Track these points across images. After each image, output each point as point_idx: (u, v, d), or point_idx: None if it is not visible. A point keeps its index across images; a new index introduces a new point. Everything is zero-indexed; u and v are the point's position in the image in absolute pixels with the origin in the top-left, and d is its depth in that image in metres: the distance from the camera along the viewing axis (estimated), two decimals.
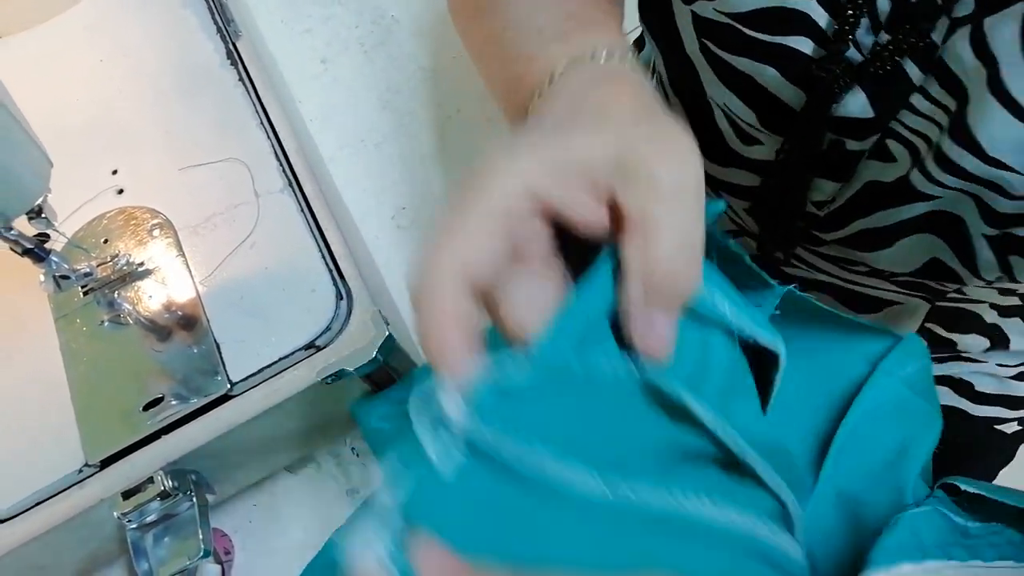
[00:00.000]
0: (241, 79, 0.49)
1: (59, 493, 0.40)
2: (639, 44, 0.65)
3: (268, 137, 0.47)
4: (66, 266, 0.42)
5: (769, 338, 0.29)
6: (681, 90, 0.54)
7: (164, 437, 0.40)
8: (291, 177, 0.46)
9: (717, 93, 0.50)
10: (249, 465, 0.45)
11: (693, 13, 0.47)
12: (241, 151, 0.47)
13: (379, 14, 0.64)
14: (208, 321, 0.43)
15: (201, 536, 0.39)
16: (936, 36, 0.38)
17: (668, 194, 0.26)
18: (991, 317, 0.53)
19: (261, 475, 0.48)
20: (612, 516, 0.23)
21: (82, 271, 0.43)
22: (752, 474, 0.26)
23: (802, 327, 0.36)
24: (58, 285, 0.42)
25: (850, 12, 0.41)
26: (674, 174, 0.26)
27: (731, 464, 0.27)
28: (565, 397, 0.24)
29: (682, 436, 0.26)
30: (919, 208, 0.45)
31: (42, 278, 0.42)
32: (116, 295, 0.44)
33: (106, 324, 0.44)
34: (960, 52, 0.38)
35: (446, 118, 0.59)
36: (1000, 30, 0.36)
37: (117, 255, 0.44)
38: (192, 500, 0.40)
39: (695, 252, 0.26)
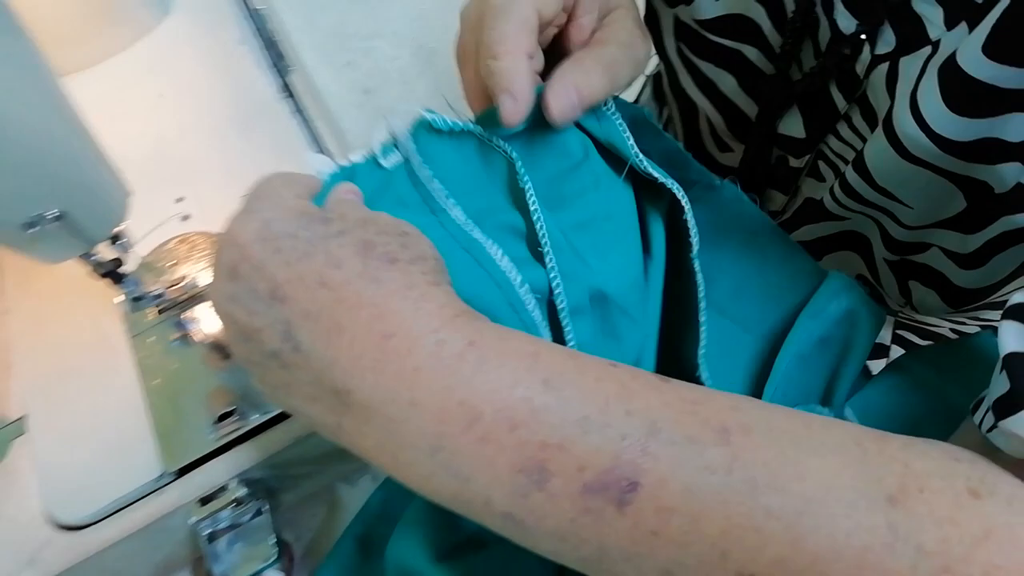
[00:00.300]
0: (295, 111, 0.52)
1: (138, 500, 0.43)
2: None
3: (306, 126, 0.50)
4: (141, 288, 0.45)
5: (663, 176, 0.40)
6: (674, 92, 0.58)
7: (236, 448, 0.43)
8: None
9: (695, 95, 0.54)
10: (311, 476, 0.48)
11: (674, 17, 0.52)
12: (277, 144, 0.50)
13: (418, 46, 0.67)
14: None
15: (271, 543, 0.42)
16: (860, 68, 0.41)
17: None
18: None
19: (321, 485, 0.50)
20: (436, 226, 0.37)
21: (154, 293, 0.46)
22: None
23: (747, 237, 0.45)
24: (133, 306, 0.45)
25: (788, 41, 0.44)
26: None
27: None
28: (465, 164, 0.39)
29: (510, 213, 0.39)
30: (834, 227, 0.47)
31: (120, 299, 0.45)
32: (184, 315, 0.47)
33: (177, 342, 0.46)
34: (876, 87, 0.40)
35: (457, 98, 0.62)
36: (908, 70, 0.38)
37: (184, 278, 0.47)
38: (262, 508, 0.43)
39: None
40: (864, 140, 0.44)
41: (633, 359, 0.42)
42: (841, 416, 0.42)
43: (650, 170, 0.39)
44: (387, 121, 0.38)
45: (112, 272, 0.43)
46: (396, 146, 0.39)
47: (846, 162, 0.47)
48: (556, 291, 0.38)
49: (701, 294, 0.41)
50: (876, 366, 0.49)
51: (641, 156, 0.39)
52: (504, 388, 0.27)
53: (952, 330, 0.54)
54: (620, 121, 0.40)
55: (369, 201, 0.37)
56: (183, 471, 0.43)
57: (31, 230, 0.36)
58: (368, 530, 0.45)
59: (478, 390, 0.26)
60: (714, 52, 0.51)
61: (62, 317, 0.48)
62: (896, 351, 0.54)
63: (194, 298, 0.47)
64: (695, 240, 0.40)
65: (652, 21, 0.59)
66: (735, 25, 0.48)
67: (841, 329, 0.43)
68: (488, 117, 0.39)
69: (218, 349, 0.47)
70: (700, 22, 0.50)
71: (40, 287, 0.50)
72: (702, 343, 0.42)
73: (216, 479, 0.42)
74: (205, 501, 0.42)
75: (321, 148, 0.51)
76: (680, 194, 0.40)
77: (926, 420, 0.43)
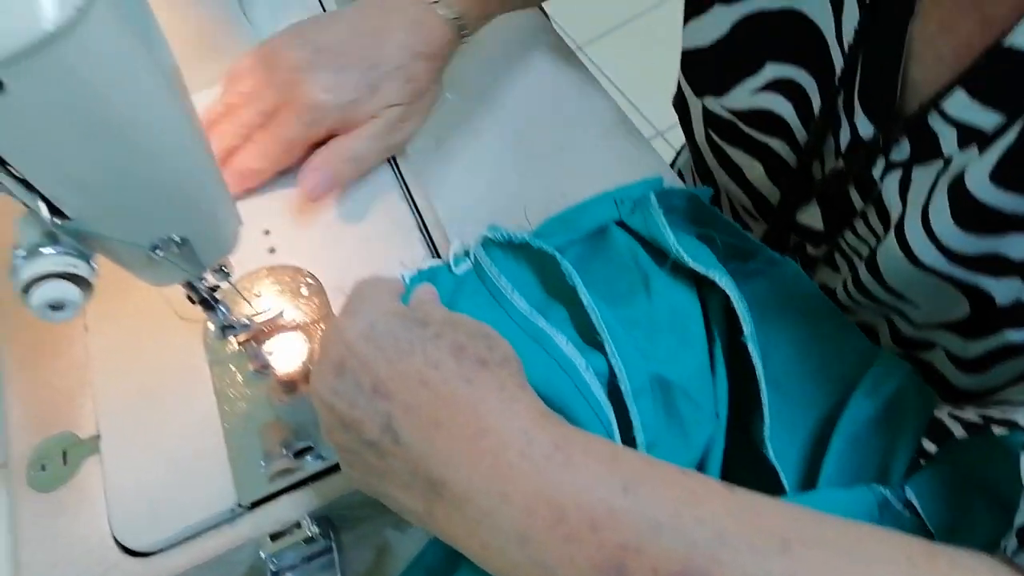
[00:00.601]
0: (390, 160, 0.54)
1: (208, 530, 0.42)
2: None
3: (411, 208, 0.51)
4: (228, 317, 0.45)
5: (704, 268, 0.44)
6: (699, 173, 0.62)
7: (311, 484, 0.43)
8: (432, 248, 0.50)
9: (720, 178, 0.58)
10: (371, 519, 0.48)
11: (703, 106, 0.55)
12: (387, 220, 0.51)
13: (489, 98, 0.69)
14: None
15: None
16: (876, 172, 0.43)
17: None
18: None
19: (374, 528, 0.50)
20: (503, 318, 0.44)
21: (241, 322, 0.46)
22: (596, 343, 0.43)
23: (805, 313, 0.47)
24: (218, 333, 0.46)
25: (812, 138, 0.48)
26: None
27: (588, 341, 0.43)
28: (521, 268, 0.47)
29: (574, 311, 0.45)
30: (848, 316, 0.49)
31: (210, 326, 0.46)
32: (265, 347, 0.47)
33: (253, 373, 0.47)
34: (889, 191, 0.43)
35: (553, 204, 0.63)
36: (920, 180, 0.41)
37: (269, 310, 0.48)
38: (330, 547, 0.42)
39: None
40: (878, 238, 0.46)
41: (701, 442, 0.43)
42: (902, 496, 0.43)
43: (692, 263, 0.44)
44: (459, 240, 0.48)
45: (206, 299, 0.44)
46: (466, 255, 0.47)
47: (860, 257, 0.49)
48: (618, 374, 0.41)
49: (760, 374, 0.43)
50: (932, 446, 0.49)
51: (682, 251, 0.44)
52: (587, 490, 0.30)
53: (981, 416, 0.55)
54: (662, 219, 0.45)
55: (445, 300, 0.44)
56: (256, 504, 0.43)
57: (155, 252, 0.36)
58: None
59: (564, 490, 0.30)
60: (744, 140, 0.55)
61: (141, 338, 0.49)
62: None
63: (275, 331, 0.48)
64: (746, 324, 0.42)
65: (682, 107, 0.63)
66: (765, 119, 0.51)
67: (893, 409, 0.45)
68: (542, 229, 0.49)
69: (285, 384, 0.47)
70: (734, 112, 0.53)
71: (120, 306, 0.50)
72: (767, 423, 0.43)
73: (288, 515, 0.42)
74: (276, 536, 0.42)
75: (407, 191, 0.52)
76: (722, 283, 0.43)
77: (979, 510, 0.43)
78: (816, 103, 0.47)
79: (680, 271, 0.46)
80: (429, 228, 0.51)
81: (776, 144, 0.53)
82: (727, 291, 0.43)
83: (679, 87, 0.67)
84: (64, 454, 0.46)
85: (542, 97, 0.69)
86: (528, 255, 0.48)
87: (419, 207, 0.51)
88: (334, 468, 0.43)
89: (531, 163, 0.66)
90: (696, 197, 0.48)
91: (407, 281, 0.46)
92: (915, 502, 0.42)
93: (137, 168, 0.33)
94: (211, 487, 0.43)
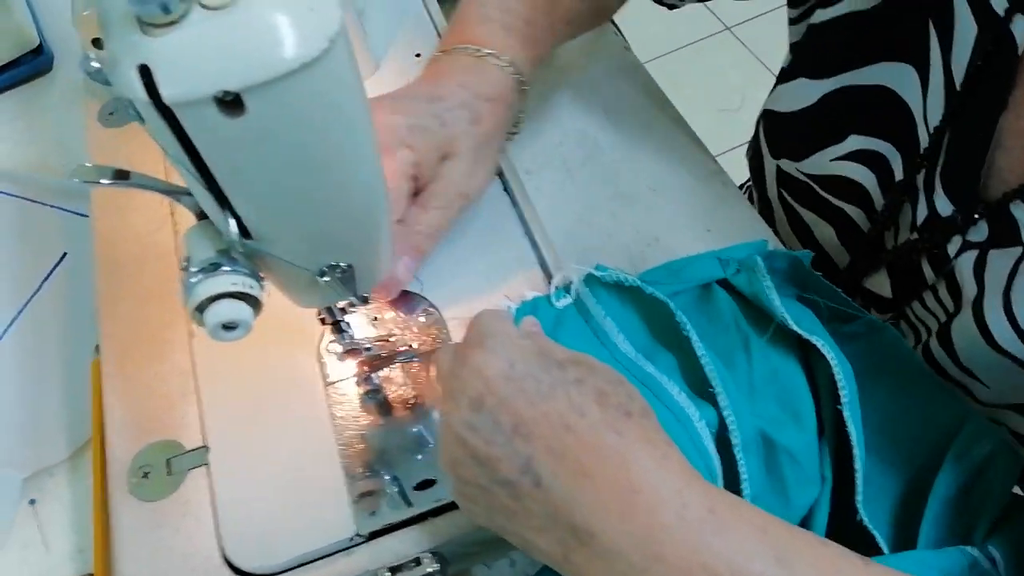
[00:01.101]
0: (505, 189, 0.54)
1: (326, 557, 0.41)
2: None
3: (529, 242, 0.51)
4: (353, 340, 0.45)
5: (808, 333, 0.45)
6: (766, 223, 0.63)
7: (432, 520, 0.42)
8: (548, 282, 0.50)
9: (787, 237, 0.61)
10: (475, 556, 0.47)
11: (777, 166, 0.57)
12: (506, 252, 0.51)
13: (583, 135, 0.69)
14: None
15: None
16: (951, 249, 0.45)
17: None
18: None
19: (470, 564, 0.49)
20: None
21: (364, 345, 0.46)
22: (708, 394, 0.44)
23: (901, 376, 0.48)
24: (340, 356, 0.45)
25: (888, 207, 0.49)
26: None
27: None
28: (624, 310, 0.48)
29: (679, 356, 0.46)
30: None
31: (331, 347, 0.45)
32: (381, 372, 0.47)
33: (368, 398, 0.46)
34: (964, 269, 0.44)
35: (645, 245, 0.63)
36: (997, 263, 0.42)
37: (390, 335, 0.47)
38: None
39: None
40: (947, 312, 0.47)
41: (803, 504, 0.44)
42: (987, 554, 0.44)
43: (797, 328, 0.45)
44: (561, 272, 0.49)
45: (338, 321, 0.43)
46: (566, 290, 0.48)
47: (927, 328, 0.50)
48: (731, 428, 0.42)
49: (855, 442, 0.43)
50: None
51: (787, 316, 0.45)
52: (741, 558, 0.30)
53: None
54: (768, 283, 0.47)
55: (548, 334, 0.44)
56: (375, 535, 0.42)
57: (321, 277, 0.36)
58: None
59: (719, 556, 0.30)
60: (817, 203, 0.57)
61: (249, 349, 0.48)
62: None
63: (392, 357, 0.47)
64: (844, 393, 0.43)
65: (756, 161, 0.65)
66: (842, 186, 0.53)
67: (983, 472, 0.46)
68: (647, 275, 0.49)
69: (384, 407, 0.46)
70: (811, 176, 0.55)
71: None
72: (859, 489, 0.44)
73: (407, 549, 0.41)
74: (395, 570, 0.41)
75: (524, 224, 0.52)
76: (825, 350, 0.44)
77: None
78: (898, 175, 0.48)
79: (783, 335, 0.47)
80: (547, 263, 0.50)
81: (852, 210, 0.54)
82: (829, 358, 0.44)
83: (755, 141, 0.68)
84: (168, 463, 0.44)
85: (636, 138, 0.69)
86: (633, 298, 0.48)
87: (537, 241, 0.51)
88: (450, 506, 0.43)
89: (623, 202, 0.66)
90: (799, 260, 0.49)
91: (513, 313, 0.46)
92: (999, 560, 0.43)
93: (333, 197, 0.32)
94: (329, 513, 0.42)
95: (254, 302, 0.34)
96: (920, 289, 0.50)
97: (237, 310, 0.33)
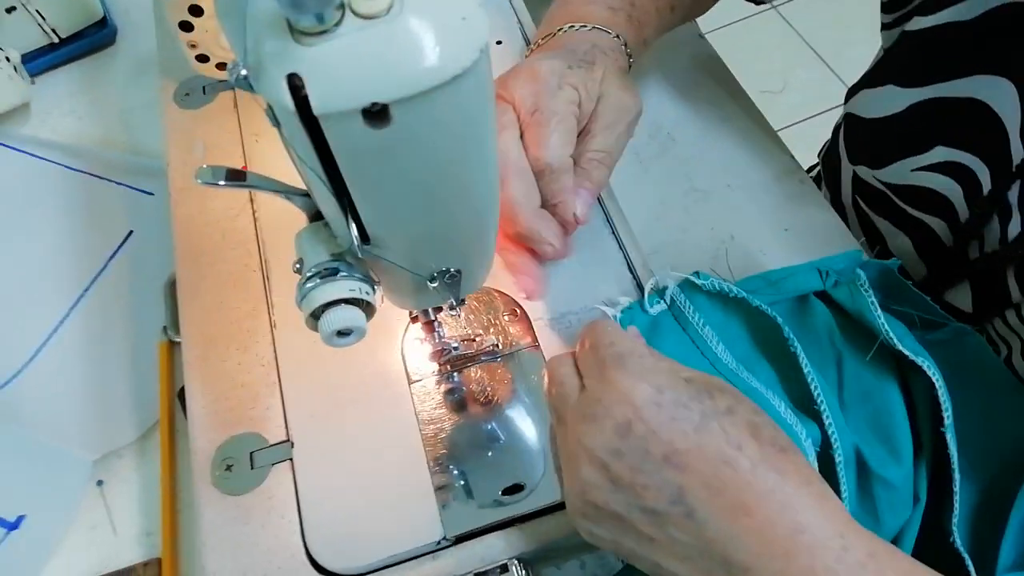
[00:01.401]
0: None
1: (412, 560, 0.41)
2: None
3: (617, 243, 0.50)
4: (444, 339, 0.44)
5: (912, 354, 0.43)
6: None
7: (519, 526, 0.42)
8: (637, 285, 0.49)
9: (861, 245, 0.58)
10: (552, 560, 0.47)
11: (854, 172, 0.56)
12: (592, 253, 0.50)
13: (656, 129, 0.68)
14: None
15: None
16: None
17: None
18: None
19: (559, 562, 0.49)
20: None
21: (452, 344, 0.45)
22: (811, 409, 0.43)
23: (984, 386, 0.47)
24: (432, 356, 0.44)
25: (974, 219, 0.49)
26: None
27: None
28: (719, 317, 0.46)
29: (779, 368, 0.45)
30: None
31: (427, 346, 0.44)
32: (465, 371, 0.46)
33: (454, 397, 0.45)
34: None
35: (720, 242, 0.62)
36: None
37: (476, 335, 0.46)
38: None
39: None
40: None
41: (894, 525, 0.43)
42: None
43: (901, 348, 0.44)
44: (655, 277, 0.47)
45: (432, 321, 0.43)
46: (660, 296, 0.46)
47: (1008, 345, 0.49)
48: (835, 445, 0.41)
49: (955, 467, 0.43)
50: None
51: (892, 335, 0.44)
52: None
53: None
54: (872, 299, 0.45)
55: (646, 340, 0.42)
56: (461, 538, 0.41)
57: (429, 283, 0.35)
58: None
59: None
60: (894, 213, 0.56)
61: None
62: None
63: (478, 356, 0.46)
64: (947, 415, 0.43)
65: (832, 164, 0.63)
66: (924, 197, 0.52)
67: None
68: (744, 284, 0.47)
69: (464, 406, 0.46)
70: (889, 185, 0.53)
71: None
72: (955, 512, 0.43)
73: (494, 555, 0.41)
74: None
75: (611, 224, 0.51)
76: (931, 372, 0.43)
77: None
78: (986, 188, 0.47)
79: (880, 352, 0.46)
80: (634, 264, 0.49)
81: (933, 222, 0.53)
82: (935, 380, 0.43)
83: (833, 144, 0.66)
84: (251, 457, 0.44)
85: (711, 131, 0.67)
86: (730, 307, 0.47)
87: (623, 242, 0.50)
88: (539, 513, 0.42)
89: (697, 197, 0.65)
90: (890, 270, 0.48)
91: (617, 321, 0.45)
92: None
93: (457, 203, 0.31)
94: (414, 514, 0.42)
95: (368, 308, 0.33)
96: (1003, 305, 0.49)
97: (353, 317, 0.32)
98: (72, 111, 0.74)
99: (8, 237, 0.68)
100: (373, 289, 0.33)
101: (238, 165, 0.56)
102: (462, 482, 0.42)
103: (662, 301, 0.47)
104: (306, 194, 0.33)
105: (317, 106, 0.24)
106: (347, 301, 0.32)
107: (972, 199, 0.49)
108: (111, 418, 0.59)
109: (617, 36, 0.51)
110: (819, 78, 1.83)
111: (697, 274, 0.46)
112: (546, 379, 0.39)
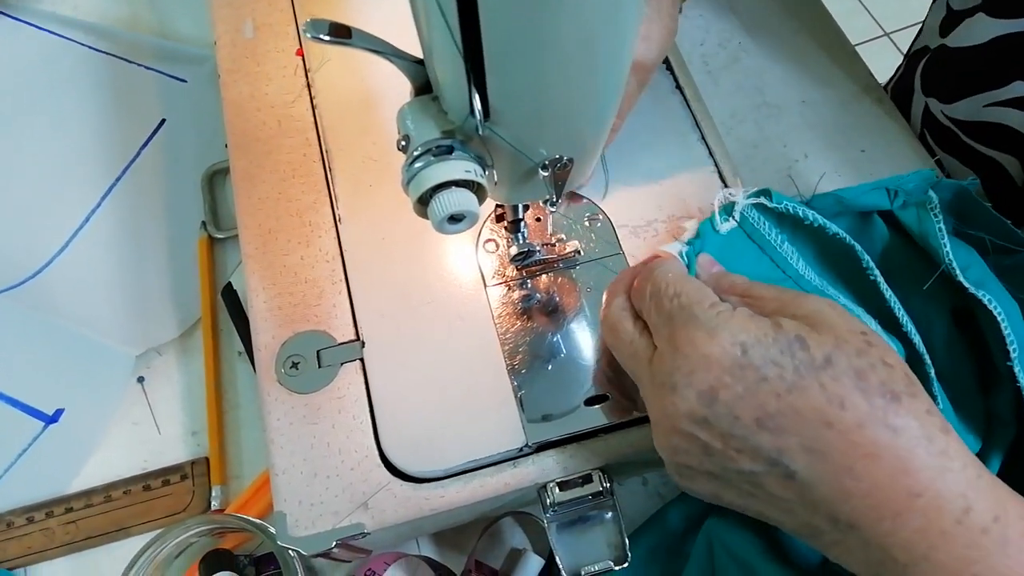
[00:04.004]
0: (678, 86, 0.49)
1: (492, 466, 0.40)
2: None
3: (708, 152, 0.47)
4: (527, 242, 0.41)
5: (975, 287, 0.41)
6: None
7: (603, 436, 0.40)
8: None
9: None
10: (627, 473, 0.45)
11: (926, 104, 0.55)
12: (678, 156, 0.47)
13: (725, 37, 0.63)
14: None
15: (626, 543, 0.39)
16: None
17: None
18: None
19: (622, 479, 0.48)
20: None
21: (535, 247, 0.42)
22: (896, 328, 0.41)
23: None
24: (516, 258, 0.42)
25: None
26: None
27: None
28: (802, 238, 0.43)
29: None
30: None
31: (513, 249, 0.42)
32: (545, 277, 0.43)
33: (531, 302, 0.43)
34: None
35: (793, 161, 0.59)
36: None
37: (559, 239, 0.44)
38: (615, 505, 0.40)
39: None
40: None
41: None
42: None
43: (964, 281, 0.41)
44: (723, 192, 0.42)
45: (518, 220, 0.40)
46: (729, 213, 0.42)
47: None
48: (925, 359, 0.39)
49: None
50: None
51: (955, 265, 0.41)
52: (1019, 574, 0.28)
53: None
54: (940, 224, 0.43)
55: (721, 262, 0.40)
56: (543, 447, 0.40)
57: (541, 171, 0.32)
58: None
59: (994, 569, 0.28)
60: (963, 152, 0.54)
61: (402, 241, 0.44)
62: None
63: (560, 262, 0.44)
64: (1012, 348, 0.40)
65: (903, 95, 0.60)
66: (996, 133, 0.49)
67: None
68: (814, 202, 0.44)
69: (543, 312, 0.43)
70: (955, 121, 0.51)
71: (378, 200, 0.46)
72: None
73: (576, 464, 0.40)
74: (565, 486, 0.39)
75: (700, 133, 0.48)
76: (993, 307, 0.41)
77: None
78: None
79: (941, 280, 0.43)
80: (723, 172, 0.46)
81: (1005, 159, 0.51)
82: (996, 315, 0.41)
83: (907, 71, 0.63)
84: (318, 355, 0.42)
85: (785, 43, 0.63)
86: (801, 226, 0.44)
87: (713, 149, 0.47)
88: (623, 425, 0.40)
89: (770, 112, 0.61)
90: (965, 191, 0.45)
91: (684, 257, 0.40)
92: None
93: (589, 80, 0.28)
94: (495, 421, 0.40)
95: (480, 191, 0.30)
96: None
97: (467, 200, 0.29)
98: None
99: (31, 121, 0.64)
100: (486, 172, 0.30)
101: (291, 50, 0.52)
102: (544, 390, 0.40)
103: (731, 219, 0.43)
104: (419, 61, 0.29)
105: None
106: (458, 183, 0.29)
107: None
108: (151, 314, 0.56)
109: None
110: None
111: (768, 193, 0.42)
112: (602, 312, 0.36)
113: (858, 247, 0.42)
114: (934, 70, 0.55)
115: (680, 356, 0.31)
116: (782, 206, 0.42)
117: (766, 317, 0.31)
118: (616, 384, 0.40)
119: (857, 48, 0.63)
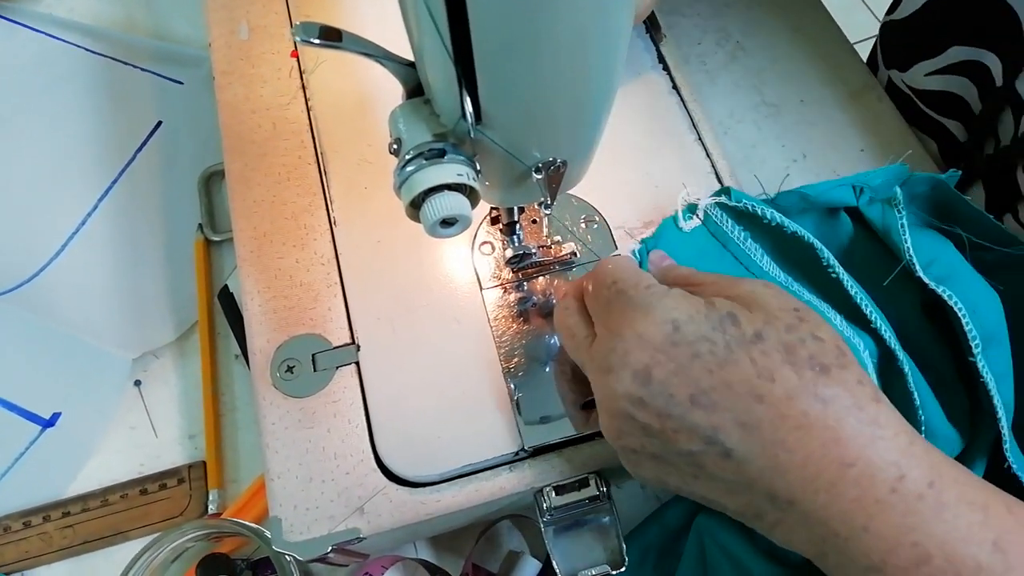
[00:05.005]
0: (675, 87, 0.49)
1: (486, 470, 0.39)
2: None
3: (705, 153, 0.47)
4: (524, 243, 0.41)
5: (935, 282, 0.41)
6: None
7: (600, 440, 0.40)
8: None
9: None
10: (622, 476, 0.45)
11: (888, 77, 0.57)
12: (674, 159, 0.46)
13: (723, 36, 0.63)
14: None
15: (623, 547, 0.39)
16: None
17: None
18: None
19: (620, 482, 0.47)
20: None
21: (530, 250, 0.42)
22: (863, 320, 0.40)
23: None
24: (512, 260, 0.42)
25: (987, 115, 0.48)
26: None
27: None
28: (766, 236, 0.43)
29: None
30: None
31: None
32: (540, 280, 0.43)
33: (527, 305, 0.43)
34: None
35: (791, 160, 0.58)
36: None
37: (555, 242, 0.43)
38: (612, 509, 0.40)
39: None
40: None
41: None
42: None
43: (923, 276, 0.41)
44: (687, 190, 0.43)
45: (513, 223, 0.40)
46: (692, 212, 0.42)
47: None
48: (898, 355, 0.40)
49: (992, 391, 0.41)
50: None
51: (915, 260, 0.41)
52: (956, 540, 0.27)
53: None
54: (902, 220, 0.42)
55: (681, 261, 0.39)
56: (539, 451, 0.40)
57: (535, 174, 0.32)
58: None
59: (933, 535, 0.27)
60: (922, 119, 0.55)
61: (399, 245, 0.44)
62: None
63: (551, 264, 0.43)
64: (975, 343, 0.40)
65: (874, 69, 0.61)
66: (946, 101, 0.52)
67: None
68: (780, 199, 0.44)
69: (539, 315, 0.43)
70: (913, 89, 0.51)
71: (371, 205, 0.45)
72: (1005, 438, 0.41)
73: (572, 468, 0.39)
74: (562, 490, 0.39)
75: (696, 131, 0.47)
76: (954, 302, 0.40)
77: None
78: (999, 83, 0.46)
79: (906, 276, 0.43)
80: (720, 173, 0.46)
81: (951, 124, 0.52)
82: (957, 310, 0.40)
83: (873, 49, 0.64)
84: (313, 359, 0.42)
85: (783, 41, 0.63)
86: (765, 224, 0.43)
87: (710, 150, 0.47)
88: None
89: (768, 112, 0.61)
90: (942, 184, 0.44)
91: (638, 255, 0.41)
92: None
93: (582, 81, 0.28)
94: (491, 425, 0.40)
95: (472, 195, 0.30)
96: (1013, 201, 0.46)
97: (460, 203, 0.29)
98: None
99: (28, 123, 0.63)
100: (477, 174, 0.30)
101: (286, 52, 0.51)
102: (540, 393, 0.40)
103: (694, 216, 0.43)
104: (410, 64, 0.29)
105: None
106: (450, 187, 0.29)
107: (985, 96, 0.48)
108: (147, 317, 0.56)
109: None
110: None
111: (728, 191, 0.42)
112: (556, 321, 0.36)
113: (818, 244, 0.41)
114: (890, 40, 0.56)
115: (616, 337, 0.31)
116: (741, 204, 0.42)
117: (700, 297, 0.31)
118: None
119: (856, 46, 0.63)
